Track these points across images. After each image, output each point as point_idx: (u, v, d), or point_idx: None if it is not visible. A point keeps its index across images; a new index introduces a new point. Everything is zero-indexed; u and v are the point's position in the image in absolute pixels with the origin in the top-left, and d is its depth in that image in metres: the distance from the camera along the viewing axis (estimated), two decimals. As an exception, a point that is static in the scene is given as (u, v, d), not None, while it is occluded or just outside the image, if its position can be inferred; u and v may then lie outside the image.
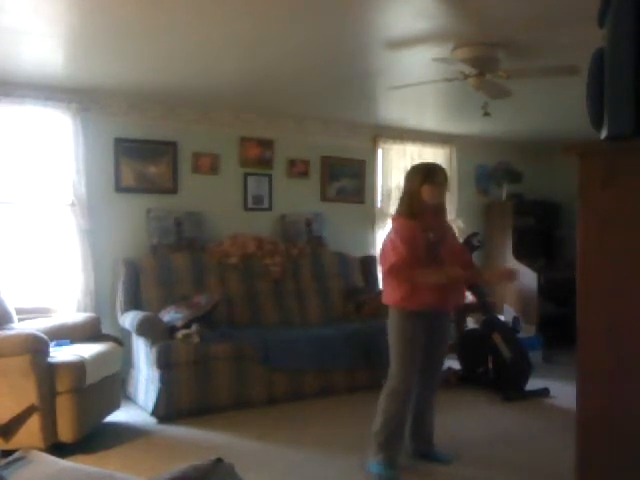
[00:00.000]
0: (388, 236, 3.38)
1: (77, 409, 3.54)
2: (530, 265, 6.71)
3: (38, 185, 4.68)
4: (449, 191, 3.62)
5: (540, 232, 7.29)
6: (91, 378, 3.67)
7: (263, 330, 4.86)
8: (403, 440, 3.42)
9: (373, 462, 3.31)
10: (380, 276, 4.44)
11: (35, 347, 3.45)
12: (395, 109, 5.59)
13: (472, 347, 5.31)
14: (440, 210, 3.46)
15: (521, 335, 5.76)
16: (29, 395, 3.42)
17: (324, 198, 6.14)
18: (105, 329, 4.41)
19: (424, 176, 3.32)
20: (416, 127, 6.36)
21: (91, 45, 3.74)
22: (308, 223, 5.88)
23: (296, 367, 4.68)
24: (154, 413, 4.23)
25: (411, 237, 3.23)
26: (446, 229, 3.52)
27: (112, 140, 5.03)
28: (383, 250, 3.39)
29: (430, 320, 3.32)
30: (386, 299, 3.39)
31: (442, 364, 3.61)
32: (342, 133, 6.15)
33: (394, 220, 3.42)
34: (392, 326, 3.34)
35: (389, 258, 3.26)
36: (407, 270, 3.21)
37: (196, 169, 5.43)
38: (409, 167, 3.64)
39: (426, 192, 3.30)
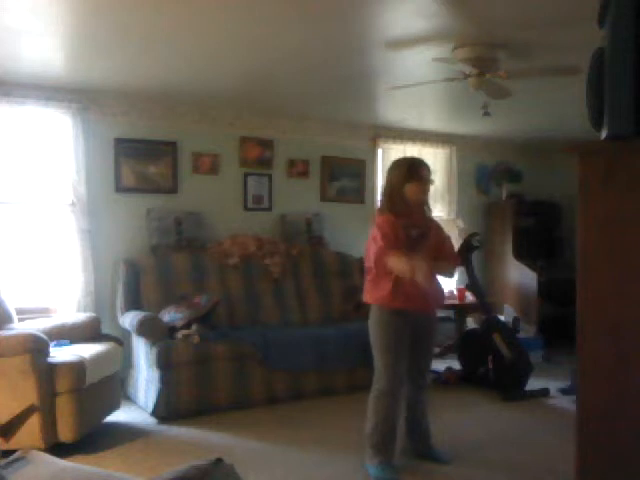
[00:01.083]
0: (371, 234, 3.32)
1: (77, 409, 3.54)
2: (530, 265, 6.71)
3: (38, 185, 4.68)
4: (434, 185, 3.48)
5: (540, 232, 7.29)
6: (91, 378, 3.66)
7: (263, 330, 4.86)
8: (397, 440, 3.39)
9: (371, 465, 3.29)
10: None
11: (35, 347, 3.45)
12: (395, 109, 5.59)
13: (472, 347, 5.31)
14: (424, 205, 3.39)
15: (521, 335, 5.76)
16: (29, 395, 3.42)
17: (324, 198, 6.14)
18: (105, 329, 4.41)
19: (407, 174, 3.24)
20: (416, 127, 6.36)
21: (91, 45, 3.74)
22: (308, 223, 5.88)
23: (296, 367, 4.68)
24: (154, 413, 4.23)
25: (392, 233, 3.18)
26: (430, 224, 3.43)
27: (112, 140, 5.03)
28: (366, 248, 3.34)
29: (413, 320, 3.28)
30: (367, 297, 3.35)
31: (429, 364, 3.56)
32: (342, 133, 6.15)
33: (377, 217, 3.35)
34: (374, 325, 3.30)
35: (370, 255, 3.24)
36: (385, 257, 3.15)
37: (196, 169, 5.42)
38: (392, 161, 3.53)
39: (410, 191, 3.24)
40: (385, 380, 3.26)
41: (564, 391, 4.95)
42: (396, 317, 3.24)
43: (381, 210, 3.36)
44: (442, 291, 3.58)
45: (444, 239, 3.50)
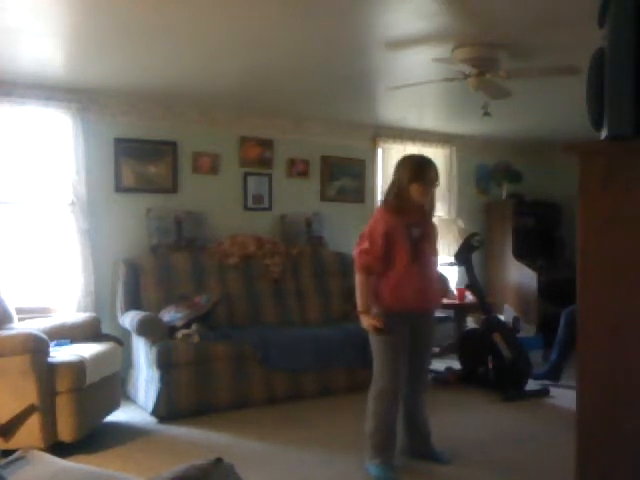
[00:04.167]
0: (368, 224, 3.33)
1: (77, 409, 3.54)
2: (530, 265, 6.71)
3: (38, 185, 4.68)
4: (439, 186, 3.43)
5: (540, 232, 7.29)
6: (91, 378, 3.66)
7: (263, 330, 4.86)
8: (396, 440, 3.39)
9: (371, 465, 3.30)
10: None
11: (35, 347, 3.45)
12: (395, 109, 5.59)
13: (472, 347, 5.31)
14: (427, 205, 3.36)
15: (521, 335, 5.76)
16: (29, 395, 3.42)
17: (324, 198, 6.14)
18: (105, 329, 4.41)
19: (413, 174, 3.21)
20: (416, 127, 6.36)
21: (91, 45, 3.74)
22: (308, 223, 5.88)
23: (296, 367, 4.68)
24: (154, 413, 4.23)
25: (384, 233, 3.18)
26: (430, 227, 3.41)
27: (112, 140, 5.03)
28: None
29: (412, 320, 3.29)
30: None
31: (428, 363, 3.57)
32: (342, 133, 6.15)
33: (377, 209, 3.35)
34: None
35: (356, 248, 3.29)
36: (365, 266, 3.23)
37: (196, 169, 5.43)
38: (400, 157, 3.52)
39: (414, 191, 3.21)
40: (385, 381, 3.27)
41: (536, 376, 5.12)
42: (395, 319, 3.24)
43: (383, 203, 3.33)
44: (441, 290, 3.57)
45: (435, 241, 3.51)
